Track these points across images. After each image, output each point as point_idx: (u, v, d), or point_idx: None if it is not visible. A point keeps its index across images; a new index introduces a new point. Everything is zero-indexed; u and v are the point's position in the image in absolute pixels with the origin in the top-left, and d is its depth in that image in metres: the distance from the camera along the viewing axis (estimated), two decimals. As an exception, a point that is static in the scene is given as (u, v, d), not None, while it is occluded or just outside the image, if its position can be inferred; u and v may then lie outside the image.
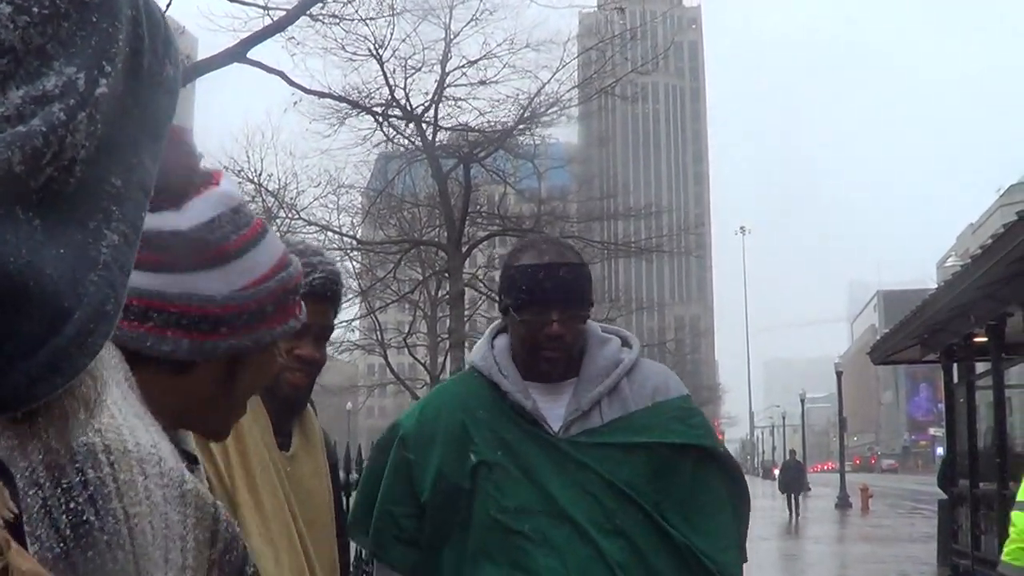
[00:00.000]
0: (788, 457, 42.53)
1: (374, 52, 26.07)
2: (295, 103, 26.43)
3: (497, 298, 2.92)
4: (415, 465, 2.79)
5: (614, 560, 2.62)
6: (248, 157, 36.40)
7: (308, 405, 2.69)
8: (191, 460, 1.45)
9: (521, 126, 29.07)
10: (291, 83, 20.54)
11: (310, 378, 2.59)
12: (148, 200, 0.74)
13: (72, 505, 0.98)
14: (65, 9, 0.64)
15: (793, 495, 36.90)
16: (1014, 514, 7.01)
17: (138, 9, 0.71)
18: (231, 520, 1.24)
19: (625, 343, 2.90)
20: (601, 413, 2.76)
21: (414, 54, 27.01)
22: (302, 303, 1.63)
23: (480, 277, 36.40)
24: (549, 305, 2.71)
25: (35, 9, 0.63)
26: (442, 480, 2.73)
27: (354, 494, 5.65)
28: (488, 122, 28.65)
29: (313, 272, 2.48)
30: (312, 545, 2.50)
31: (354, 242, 32.35)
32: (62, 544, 0.96)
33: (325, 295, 2.53)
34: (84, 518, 0.99)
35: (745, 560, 2.88)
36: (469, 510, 2.70)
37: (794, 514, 35.44)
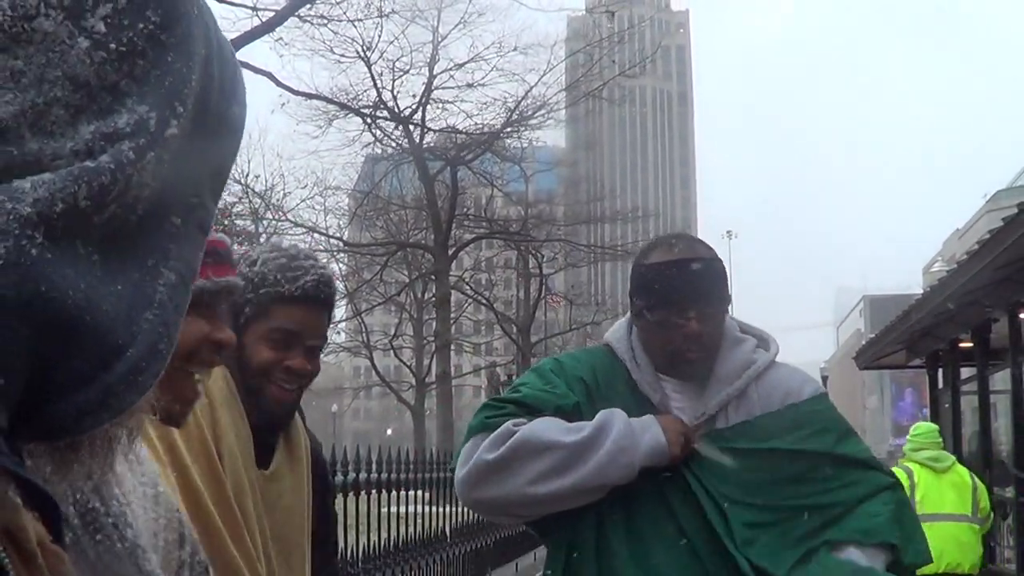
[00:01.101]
0: None
1: (362, 54, 26.12)
2: (283, 104, 26.58)
3: (629, 300, 2.73)
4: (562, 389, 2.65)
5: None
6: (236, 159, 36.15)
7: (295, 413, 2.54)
8: None
9: (508, 129, 29.12)
10: (279, 84, 20.56)
11: (300, 392, 2.41)
12: (206, 240, 0.74)
13: (79, 496, 0.98)
14: (142, 48, 0.64)
15: None
16: None
17: (211, 47, 0.70)
18: (193, 530, 1.24)
19: (761, 344, 2.78)
20: (727, 416, 2.64)
21: (402, 56, 27.10)
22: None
23: (467, 280, 36.40)
24: (685, 304, 2.57)
25: (112, 46, 0.63)
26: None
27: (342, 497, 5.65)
28: (475, 125, 28.73)
29: (304, 275, 2.35)
30: (285, 564, 2.39)
31: (341, 244, 32.33)
32: (71, 533, 0.95)
33: (318, 298, 2.38)
34: (90, 505, 0.99)
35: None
36: None
37: None
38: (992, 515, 9.29)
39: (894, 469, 7.30)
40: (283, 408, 2.39)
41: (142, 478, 1.12)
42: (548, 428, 2.53)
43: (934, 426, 9.30)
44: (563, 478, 2.49)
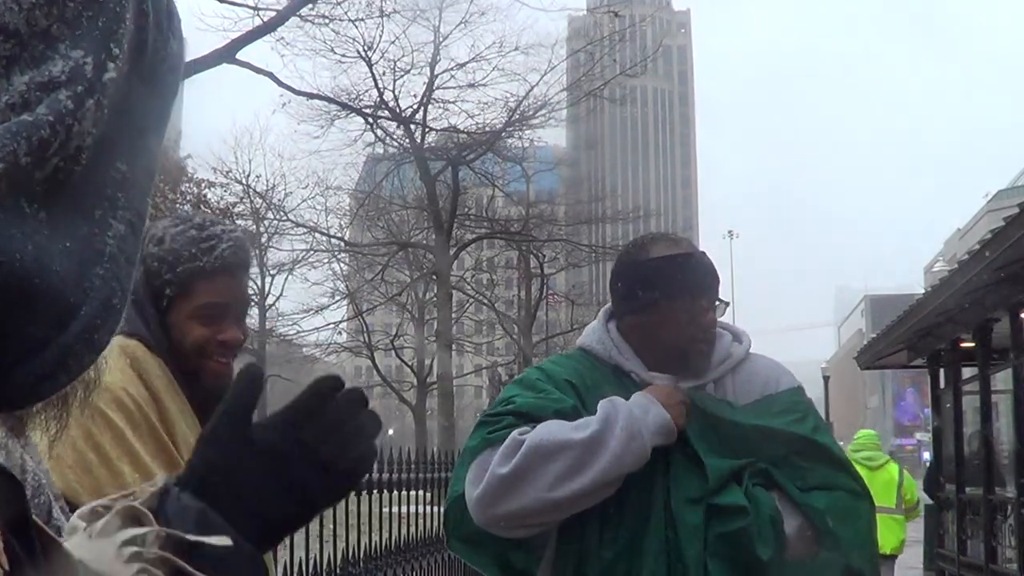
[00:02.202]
0: None
1: (363, 54, 26.09)
2: (284, 104, 26.49)
3: (623, 296, 2.74)
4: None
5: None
6: (236, 158, 36.37)
7: None
8: None
9: (510, 129, 29.10)
10: (280, 84, 20.52)
11: (233, 363, 2.36)
12: (153, 184, 0.71)
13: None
14: None
15: None
16: None
17: None
18: (30, 467, 1.22)
19: (736, 338, 2.82)
20: None
21: (403, 56, 27.06)
22: None
23: (468, 280, 36.40)
24: (703, 294, 2.65)
25: None
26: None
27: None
28: (477, 125, 28.69)
29: (219, 243, 2.27)
30: None
31: (342, 244, 32.34)
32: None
33: (239, 265, 2.31)
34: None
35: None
36: None
37: None
38: (918, 504, 11.32)
39: None
40: (223, 383, 2.31)
41: (41, 466, 1.10)
42: (557, 430, 2.52)
43: (874, 432, 11.55)
44: (583, 476, 2.48)
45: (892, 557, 10.74)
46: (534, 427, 2.53)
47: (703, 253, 2.74)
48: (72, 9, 0.61)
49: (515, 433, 2.53)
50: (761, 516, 2.52)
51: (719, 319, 2.83)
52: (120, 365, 2.17)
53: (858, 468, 7.57)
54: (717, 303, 2.70)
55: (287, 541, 4.95)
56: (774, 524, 2.53)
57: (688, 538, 2.51)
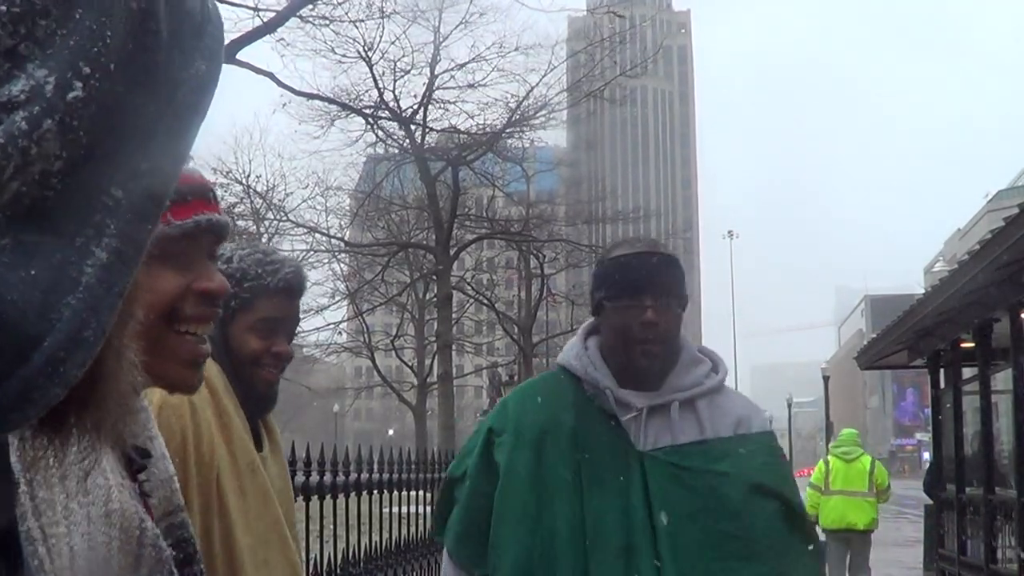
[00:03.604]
0: None
1: (363, 54, 26.09)
2: (284, 104, 26.51)
3: (589, 298, 2.89)
4: (495, 458, 2.77)
5: None
6: (236, 158, 36.37)
7: None
8: (143, 455, 1.33)
9: (510, 129, 29.10)
10: (280, 84, 20.54)
11: (281, 374, 2.60)
12: (160, 210, 0.67)
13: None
14: (42, 5, 0.58)
15: None
16: None
17: (151, 1, 0.64)
18: (159, 543, 1.17)
19: (714, 367, 2.86)
20: (680, 429, 2.73)
21: (403, 56, 27.06)
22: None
23: (468, 280, 36.40)
24: (643, 292, 2.71)
25: (4, 7, 0.57)
26: (514, 480, 2.71)
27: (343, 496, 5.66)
28: (477, 125, 28.68)
29: (283, 268, 2.52)
30: (292, 541, 2.53)
31: (342, 244, 32.33)
32: None
33: (298, 289, 2.56)
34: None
35: None
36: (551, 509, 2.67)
37: None
38: (890, 487, 12.95)
39: (820, 462, 13.15)
40: (271, 390, 2.56)
41: (85, 497, 1.05)
42: None
43: (855, 432, 13.27)
44: None
45: (868, 532, 12.45)
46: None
47: (663, 255, 2.78)
48: (43, 27, 0.58)
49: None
50: None
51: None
52: None
53: (836, 460, 10.74)
54: (665, 302, 2.73)
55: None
56: None
57: None
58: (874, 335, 20.56)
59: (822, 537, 11.50)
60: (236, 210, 30.79)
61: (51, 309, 0.59)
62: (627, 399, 2.72)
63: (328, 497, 5.36)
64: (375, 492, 6.63)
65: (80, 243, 0.61)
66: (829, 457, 12.94)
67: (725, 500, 2.64)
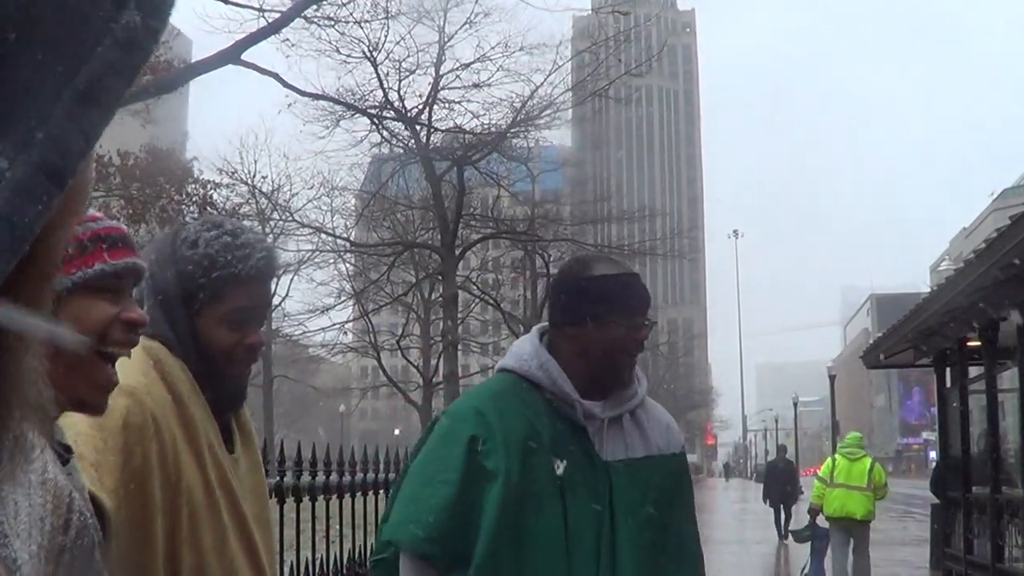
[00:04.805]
0: (777, 454, 30.15)
1: (368, 55, 26.07)
2: (289, 105, 26.46)
3: (562, 312, 2.98)
4: (485, 465, 2.79)
5: None
6: (242, 159, 36.42)
7: None
8: (68, 450, 1.52)
9: (515, 129, 29.05)
10: (285, 85, 20.51)
11: (252, 366, 2.47)
12: (58, 190, 0.55)
13: None
14: None
15: (783, 507, 25.36)
16: None
17: None
18: (85, 511, 1.24)
19: (638, 379, 3.04)
20: (631, 438, 2.94)
21: (408, 57, 27.02)
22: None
23: (473, 280, 36.40)
24: (640, 311, 2.91)
25: None
26: (508, 487, 2.75)
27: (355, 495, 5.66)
28: (482, 125, 28.64)
29: (254, 253, 2.33)
30: (268, 541, 2.44)
31: (347, 244, 32.33)
32: None
33: (270, 274, 2.41)
34: None
35: None
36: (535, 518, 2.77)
37: (782, 538, 24.14)
38: (887, 485, 14.57)
39: (828, 459, 15.35)
40: (243, 385, 2.43)
41: (28, 465, 1.08)
42: None
43: (859, 435, 15.10)
44: None
45: (865, 522, 14.16)
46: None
47: (638, 275, 3.02)
48: None
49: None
50: None
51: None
52: (144, 367, 2.18)
53: (842, 459, 14.63)
54: (646, 324, 2.94)
55: (293, 541, 4.96)
56: None
57: None
58: (880, 334, 20.55)
59: (825, 526, 14.43)
60: (242, 211, 30.84)
61: None
62: (592, 411, 2.88)
63: (334, 497, 5.37)
64: (381, 492, 6.63)
65: None
66: (836, 455, 14.77)
67: (664, 511, 2.92)
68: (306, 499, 4.85)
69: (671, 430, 3.06)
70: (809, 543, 14.98)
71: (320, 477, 5.04)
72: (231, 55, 15.44)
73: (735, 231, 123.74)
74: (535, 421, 2.83)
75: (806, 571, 14.92)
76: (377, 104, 27.19)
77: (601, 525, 2.80)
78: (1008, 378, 13.35)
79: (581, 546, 2.77)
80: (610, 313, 2.86)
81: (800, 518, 19.02)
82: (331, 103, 26.30)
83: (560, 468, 2.78)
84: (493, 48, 28.11)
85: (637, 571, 2.80)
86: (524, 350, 2.95)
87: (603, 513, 2.81)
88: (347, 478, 5.47)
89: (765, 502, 26.47)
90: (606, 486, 2.83)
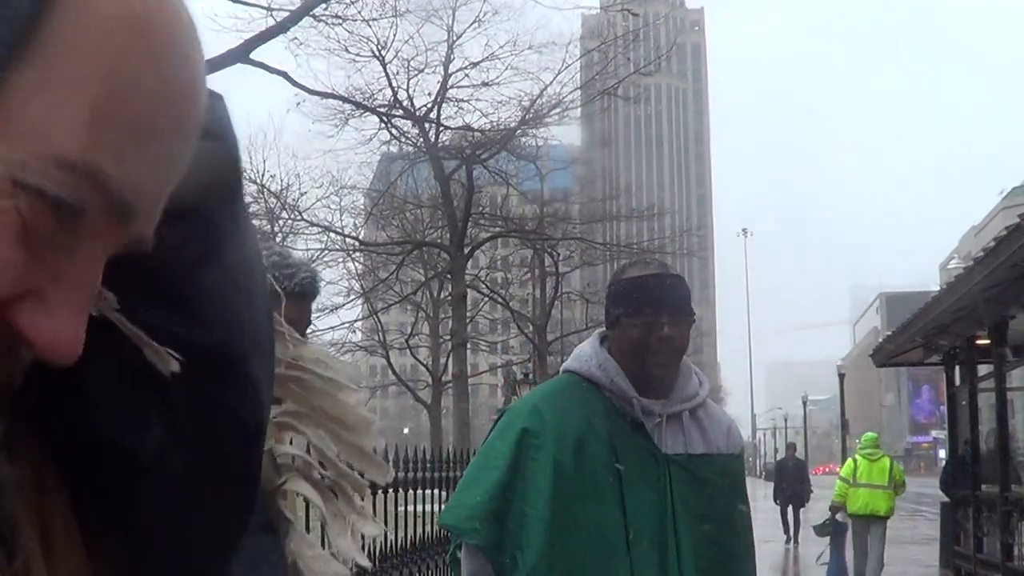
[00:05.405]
0: (786, 452, 29.33)
1: (377, 53, 26.09)
2: (298, 104, 26.48)
3: (605, 314, 3.15)
4: (534, 457, 2.89)
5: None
6: (251, 158, 36.38)
7: None
8: None
9: (524, 127, 29.06)
10: (294, 83, 20.54)
11: None
12: None
13: None
14: None
15: (793, 507, 24.76)
16: None
17: None
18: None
19: (700, 380, 3.15)
20: (690, 435, 3.04)
21: (417, 55, 27.05)
22: None
23: (482, 278, 36.39)
24: (661, 309, 2.95)
25: None
26: (561, 479, 2.84)
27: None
28: (491, 123, 28.65)
29: (299, 272, 2.55)
30: None
31: (356, 243, 32.33)
32: None
33: (312, 294, 2.61)
34: None
35: None
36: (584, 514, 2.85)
37: (792, 538, 24.21)
38: (904, 483, 15.26)
39: (849, 460, 15.66)
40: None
41: None
42: None
43: (874, 435, 15.71)
44: None
45: (885, 518, 14.81)
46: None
47: (674, 276, 3.09)
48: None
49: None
50: None
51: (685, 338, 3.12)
52: None
53: (863, 459, 15.46)
54: (678, 320, 2.98)
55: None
56: None
57: None
58: (889, 333, 20.51)
59: (846, 522, 15.06)
60: (251, 210, 30.79)
61: None
62: (650, 407, 2.97)
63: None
64: (390, 491, 6.64)
65: None
66: (856, 456, 15.35)
67: (721, 507, 3.02)
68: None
69: (732, 432, 3.17)
70: (828, 537, 15.65)
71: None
72: (240, 54, 15.46)
73: (744, 230, 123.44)
74: (592, 417, 2.93)
75: (823, 561, 15.70)
76: (386, 103, 27.22)
77: (663, 513, 2.89)
78: (1017, 376, 13.35)
79: (641, 535, 2.86)
80: (625, 315, 2.98)
81: (812, 516, 19.26)
82: (340, 102, 26.33)
83: (618, 461, 2.89)
84: (502, 47, 28.20)
85: (696, 560, 2.89)
86: (584, 352, 3.09)
87: (663, 502, 2.90)
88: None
89: (775, 501, 25.83)
90: (666, 478, 2.93)
